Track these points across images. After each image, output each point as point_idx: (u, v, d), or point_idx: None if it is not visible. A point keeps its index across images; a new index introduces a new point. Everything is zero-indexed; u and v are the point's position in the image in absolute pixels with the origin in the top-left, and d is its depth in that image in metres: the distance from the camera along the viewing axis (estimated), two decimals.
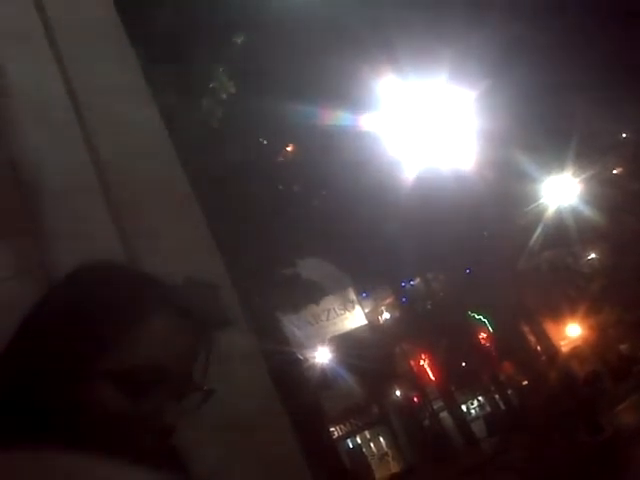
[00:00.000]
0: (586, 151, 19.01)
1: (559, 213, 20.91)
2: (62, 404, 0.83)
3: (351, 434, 26.42)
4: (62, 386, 0.83)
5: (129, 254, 1.72)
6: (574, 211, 20.82)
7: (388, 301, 27.61)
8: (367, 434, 27.27)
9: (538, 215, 20.93)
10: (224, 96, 6.97)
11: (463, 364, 26.52)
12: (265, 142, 9.07)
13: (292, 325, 17.43)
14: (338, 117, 11.54)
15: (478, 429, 25.47)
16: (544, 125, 16.84)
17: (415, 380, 26.56)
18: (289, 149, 11.05)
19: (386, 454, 26.78)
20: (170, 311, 0.90)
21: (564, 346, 25.77)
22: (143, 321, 0.88)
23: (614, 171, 23.05)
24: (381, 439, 27.21)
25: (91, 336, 0.85)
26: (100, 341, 0.85)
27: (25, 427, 0.79)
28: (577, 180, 20.54)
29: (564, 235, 21.26)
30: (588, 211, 20.53)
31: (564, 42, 14.58)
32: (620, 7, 15.43)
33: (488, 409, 27.57)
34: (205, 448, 1.61)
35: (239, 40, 7.08)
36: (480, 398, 28.53)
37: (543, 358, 25.36)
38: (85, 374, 0.84)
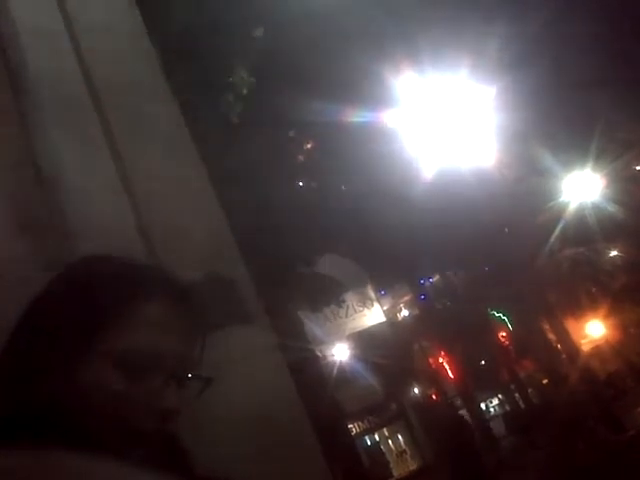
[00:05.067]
0: (608, 147, 18.78)
1: (581, 210, 20.69)
2: (63, 385, 0.84)
3: (369, 431, 26.41)
4: (63, 366, 0.85)
5: (148, 249, 1.73)
6: (596, 208, 20.58)
7: (407, 298, 27.53)
8: (385, 431, 27.24)
9: (559, 212, 20.73)
10: (244, 91, 6.97)
11: (482, 362, 26.38)
12: (284, 138, 9.07)
13: (310, 321, 17.45)
14: (357, 114, 11.50)
15: (497, 427, 25.33)
16: (565, 121, 16.67)
17: (434, 378, 26.47)
18: (309, 146, 11.05)
19: (404, 451, 26.73)
20: (169, 298, 0.92)
21: (585, 345, 25.51)
22: (142, 306, 0.89)
23: (637, 167, 22.75)
24: (399, 436, 27.16)
25: (92, 319, 0.87)
26: (100, 324, 0.87)
27: (26, 424, 0.80)
28: (599, 176, 20.31)
29: (586, 232, 21.04)
30: (610, 208, 20.29)
31: (587, 37, 14.40)
32: None
33: (507, 407, 27.41)
34: (221, 441, 1.61)
35: (259, 34, 7.07)
36: (499, 396, 28.37)
37: (564, 357, 25.14)
38: (85, 355, 0.85)
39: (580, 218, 20.67)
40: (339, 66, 9.48)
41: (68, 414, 0.82)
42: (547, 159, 17.51)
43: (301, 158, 10.70)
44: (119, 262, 0.95)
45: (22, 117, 1.81)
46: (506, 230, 21.12)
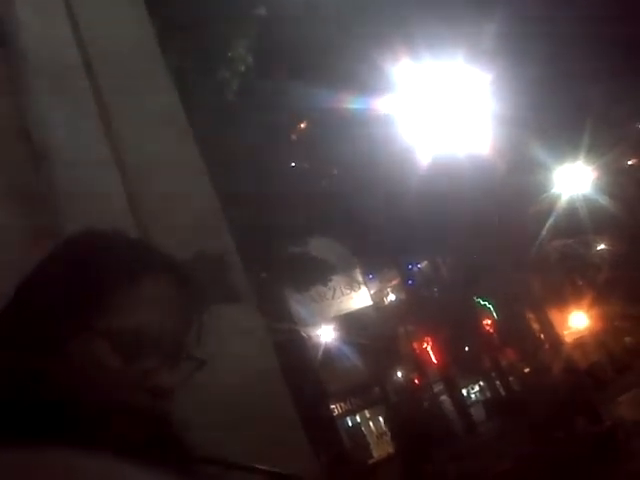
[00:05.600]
0: (601, 140, 18.82)
1: (571, 202, 20.77)
2: (58, 363, 0.84)
3: (351, 413, 26.61)
4: (58, 343, 0.85)
5: (139, 223, 1.72)
6: (586, 200, 20.67)
7: (394, 283, 27.63)
8: (367, 413, 27.47)
9: (550, 203, 20.81)
10: (242, 68, 6.92)
11: (466, 349, 26.59)
12: (279, 116, 9.02)
13: (296, 302, 17.50)
14: (353, 99, 11.45)
15: (477, 413, 25.60)
16: (558, 112, 16.66)
17: (417, 362, 26.67)
18: (302, 126, 10.99)
19: (384, 434, 26.99)
20: (167, 278, 0.92)
21: (568, 336, 25.76)
22: (139, 285, 0.89)
23: (629, 162, 22.84)
24: (380, 419, 27.40)
25: (89, 295, 0.86)
26: (97, 300, 0.86)
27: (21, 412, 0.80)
28: (590, 169, 20.37)
29: (575, 224, 21.14)
30: (601, 200, 20.38)
31: (583, 28, 14.35)
32: None
33: (488, 394, 27.70)
34: (205, 419, 1.61)
35: (261, 12, 7.00)
36: (481, 383, 28.64)
37: (546, 347, 25.38)
38: (82, 332, 0.85)
39: (571, 210, 20.76)
40: (337, 52, 9.44)
41: (63, 393, 0.82)
42: (540, 149, 17.54)
43: (294, 137, 10.65)
44: (117, 240, 0.95)
45: (15, 84, 1.79)
46: (496, 219, 21.19)
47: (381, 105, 12.97)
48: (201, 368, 0.93)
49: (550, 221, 20.71)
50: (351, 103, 11.31)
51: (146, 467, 0.78)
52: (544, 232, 21.08)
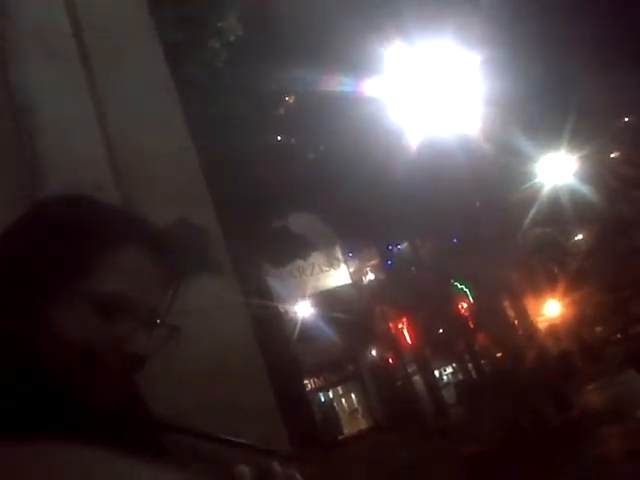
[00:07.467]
0: (585, 131, 18.91)
1: (554, 191, 20.92)
2: (38, 327, 0.83)
3: (324, 388, 26.86)
4: (38, 306, 0.85)
5: (122, 191, 1.70)
6: (568, 189, 20.83)
7: (373, 262, 27.76)
8: (339, 389, 27.74)
9: (532, 191, 20.94)
10: (231, 38, 6.86)
11: (440, 331, 26.86)
12: (266, 89, 8.95)
13: (276, 276, 17.52)
14: (342, 80, 11.38)
15: (448, 395, 25.97)
16: (545, 100, 16.69)
17: (392, 342, 26.91)
18: (289, 100, 10.92)
19: (356, 410, 27.30)
20: (145, 245, 0.92)
21: (542, 322, 26.12)
22: (120, 251, 0.90)
23: (612, 155, 23.02)
24: (352, 396, 27.69)
25: (67, 257, 0.87)
26: (76, 263, 0.87)
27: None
28: (574, 158, 20.50)
29: (555, 213, 21.33)
30: (582, 190, 20.56)
31: (574, 18, 14.34)
32: None
33: (460, 377, 28.05)
34: (176, 389, 1.62)
35: None
36: (454, 365, 29.00)
37: (520, 332, 25.72)
38: (60, 296, 0.86)
39: (552, 199, 20.91)
40: (326, 32, 9.36)
41: (43, 355, 0.82)
42: (524, 138, 17.59)
43: (282, 111, 10.58)
44: (96, 204, 0.95)
45: (4, 50, 1.75)
46: (477, 204, 21.29)
47: (370, 86, 12.92)
48: (174, 335, 0.94)
49: (532, 209, 20.86)
50: (340, 84, 11.25)
51: (116, 436, 0.78)
52: (524, 219, 21.24)
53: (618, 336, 24.02)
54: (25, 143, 1.69)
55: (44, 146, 1.68)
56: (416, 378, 26.75)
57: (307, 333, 22.45)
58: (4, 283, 0.86)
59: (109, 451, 0.60)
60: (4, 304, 0.84)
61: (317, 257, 21.48)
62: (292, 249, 11.94)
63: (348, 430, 25.72)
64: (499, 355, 25.79)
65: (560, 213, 21.30)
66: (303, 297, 23.43)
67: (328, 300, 23.34)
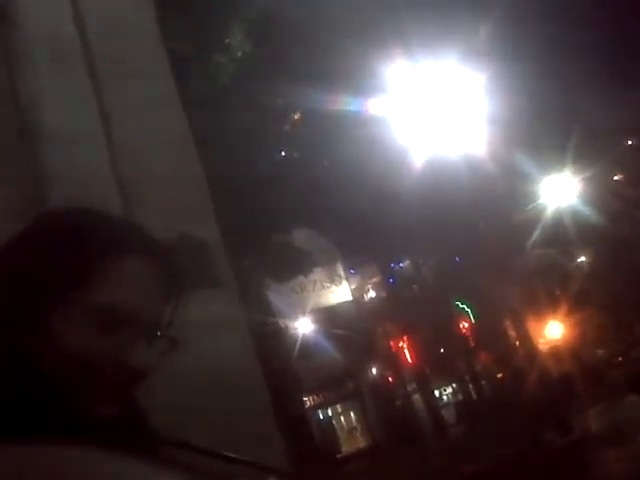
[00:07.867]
0: (589, 152, 18.96)
1: (557, 212, 20.92)
2: (39, 332, 0.84)
3: (323, 406, 26.70)
4: (38, 313, 0.85)
5: (126, 203, 1.71)
6: (571, 211, 20.84)
7: (375, 280, 27.70)
8: (339, 407, 27.56)
9: (536, 212, 20.94)
10: (239, 53, 6.91)
11: (441, 350, 26.74)
12: (272, 105, 9.00)
13: (277, 292, 17.48)
14: (347, 100, 11.44)
15: (448, 415, 25.78)
16: (549, 121, 16.75)
17: (392, 360, 26.78)
18: (296, 116, 10.97)
19: (355, 429, 27.11)
20: (147, 257, 0.92)
21: (543, 344, 26.00)
22: (121, 263, 0.89)
23: (615, 177, 23.06)
24: (352, 414, 27.51)
25: (69, 268, 0.87)
26: (78, 274, 0.87)
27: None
28: (577, 180, 20.53)
29: (558, 234, 21.31)
30: (585, 212, 20.56)
31: (578, 39, 14.42)
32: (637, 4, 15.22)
33: (460, 397, 27.88)
34: (175, 402, 1.61)
35: (259, 5, 7.00)
36: (454, 385, 28.83)
37: (521, 354, 25.59)
38: (61, 306, 0.85)
39: (556, 220, 20.91)
40: (331, 51, 9.44)
41: (43, 365, 0.82)
42: (528, 159, 17.63)
43: (287, 127, 10.63)
44: (103, 216, 0.95)
45: (9, 55, 1.77)
46: (481, 225, 21.30)
47: (375, 104, 12.98)
48: (174, 348, 0.94)
49: (535, 230, 20.86)
50: (345, 102, 11.30)
51: (114, 446, 0.78)
52: (527, 240, 21.23)
53: (620, 359, 23.89)
54: (30, 155, 1.69)
55: (49, 159, 1.69)
56: (416, 397, 26.59)
57: (307, 350, 22.35)
58: (6, 294, 0.86)
59: (109, 452, 0.60)
60: (5, 314, 0.85)
61: (319, 273, 21.45)
62: (294, 265, 11.94)
63: (346, 448, 25.51)
64: (499, 376, 25.66)
65: (563, 234, 21.29)
66: (304, 313, 23.36)
67: (329, 317, 23.27)
